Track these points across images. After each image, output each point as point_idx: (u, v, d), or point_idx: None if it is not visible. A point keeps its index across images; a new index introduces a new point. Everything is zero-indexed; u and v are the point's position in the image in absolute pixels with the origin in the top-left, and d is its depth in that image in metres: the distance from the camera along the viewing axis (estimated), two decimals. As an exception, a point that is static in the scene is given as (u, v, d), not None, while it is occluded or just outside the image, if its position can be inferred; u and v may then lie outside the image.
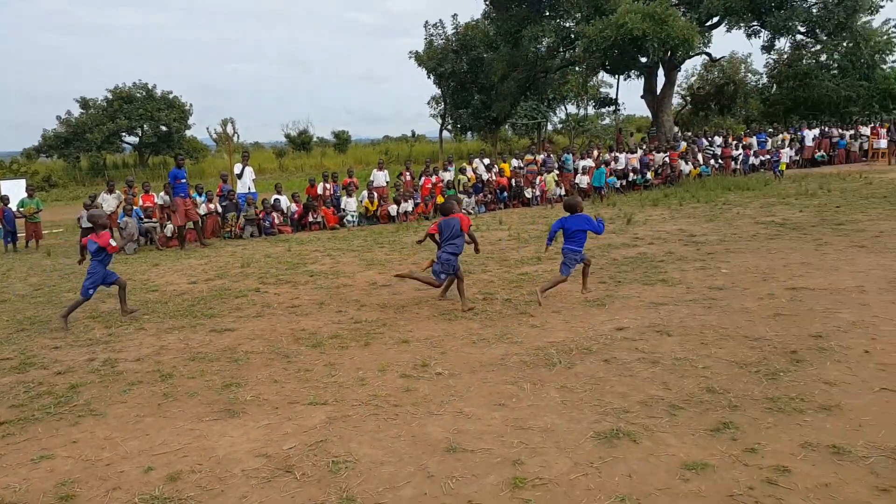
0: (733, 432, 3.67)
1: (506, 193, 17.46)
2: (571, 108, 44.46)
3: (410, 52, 31.94)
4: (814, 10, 23.36)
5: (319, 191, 15.88)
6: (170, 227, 13.74)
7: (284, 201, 15.39)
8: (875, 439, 3.50)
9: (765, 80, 33.26)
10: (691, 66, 34.35)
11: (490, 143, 39.27)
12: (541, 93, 36.34)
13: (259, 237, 14.41)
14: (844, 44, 26.98)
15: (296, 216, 15.27)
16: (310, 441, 3.91)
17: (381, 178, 16.69)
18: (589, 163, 18.58)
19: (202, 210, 14.29)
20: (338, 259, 10.90)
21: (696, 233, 11.15)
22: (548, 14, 25.71)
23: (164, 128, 38.66)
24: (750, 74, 36.73)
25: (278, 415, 4.36)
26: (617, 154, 19.68)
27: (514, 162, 18.26)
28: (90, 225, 8.38)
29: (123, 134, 39.10)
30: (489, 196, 17.17)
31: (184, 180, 13.30)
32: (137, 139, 39.62)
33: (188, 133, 42.67)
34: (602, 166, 17.70)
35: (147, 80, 65.27)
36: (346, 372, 5.15)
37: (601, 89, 42.39)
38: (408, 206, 15.75)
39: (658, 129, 28.81)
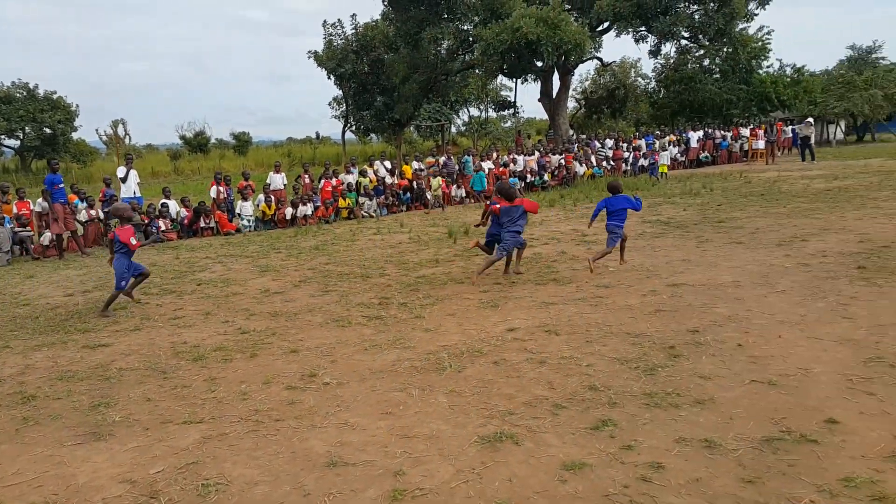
0: (612, 429, 3.74)
1: (408, 195, 17.40)
2: (474, 111, 45.18)
3: (309, 52, 31.33)
4: (696, 17, 24.77)
5: (213, 194, 15.24)
6: (47, 236, 12.77)
7: (173, 206, 14.65)
8: (744, 431, 3.65)
9: (653, 84, 34.93)
10: (585, 71, 35.68)
11: (394, 144, 39.22)
12: (443, 95, 36.61)
13: (146, 244, 13.61)
14: (725, 49, 28.75)
15: (185, 222, 14.56)
16: (180, 463, 3.67)
17: (278, 180, 16.21)
18: (489, 165, 18.84)
19: (82, 216, 13.37)
20: (229, 266, 10.47)
21: (588, 232, 11.48)
22: (446, 17, 25.90)
23: (48, 130, 36.11)
24: (640, 79, 38.59)
25: (148, 436, 4.07)
26: (515, 156, 20.06)
27: (415, 164, 18.25)
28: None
29: (2, 137, 36.23)
30: (391, 198, 17.05)
31: (61, 185, 12.43)
32: (18, 142, 36.80)
33: (75, 135, 40.21)
34: (482, 170, 17.90)
35: (28, 79, 60.85)
36: (227, 386, 4.89)
37: (502, 92, 43.31)
38: (307, 209, 15.38)
39: (555, 132, 29.69)
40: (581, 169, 21.12)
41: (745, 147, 26.99)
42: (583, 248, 9.91)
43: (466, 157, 19.21)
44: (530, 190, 19.85)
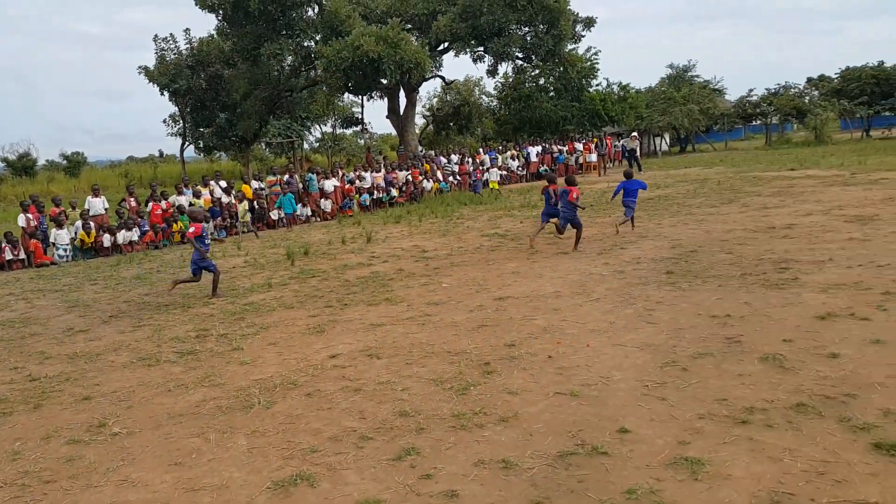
0: (414, 458, 3.63)
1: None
2: (327, 128, 44.62)
3: (140, 68, 29.38)
4: (528, 38, 26.04)
5: (21, 223, 13.68)
6: None
7: (-28, 238, 12.99)
8: (542, 448, 3.67)
9: (496, 101, 36.29)
10: (433, 88, 36.49)
11: (241, 162, 37.72)
12: (291, 112, 35.75)
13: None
14: (558, 69, 30.41)
15: (-10, 255, 12.95)
16: None
17: (97, 205, 14.89)
18: (334, 182, 18.53)
19: None
20: (34, 303, 9.39)
21: (429, 248, 11.53)
22: (285, 33, 25.34)
23: None
24: (484, 97, 39.97)
25: None
26: (363, 173, 19.90)
27: (255, 184, 17.53)
28: None
29: None
30: (229, 220, 16.23)
31: None
32: None
33: None
34: (290, 192, 17.53)
35: None
36: (-5, 447, 4.26)
37: (354, 109, 43.15)
38: (132, 234, 14.23)
39: (405, 148, 29.91)
40: (428, 184, 21.35)
41: (580, 160, 28.68)
42: (421, 265, 9.90)
43: (310, 174, 18.76)
44: (379, 206, 19.77)
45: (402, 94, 30.28)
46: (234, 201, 16.63)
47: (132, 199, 15.60)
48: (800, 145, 34.72)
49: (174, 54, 29.63)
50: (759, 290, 6.68)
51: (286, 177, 18.24)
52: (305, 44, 26.35)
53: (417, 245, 11.99)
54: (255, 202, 16.90)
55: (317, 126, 44.21)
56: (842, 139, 36.27)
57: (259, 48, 25.62)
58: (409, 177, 20.83)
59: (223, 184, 16.77)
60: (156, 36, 29.89)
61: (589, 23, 29.66)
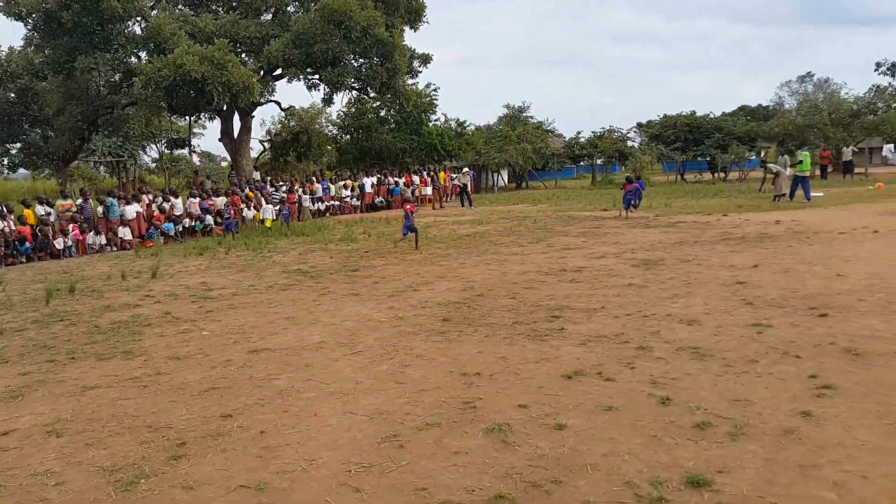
0: None
1: (28, 245, 14.59)
2: (164, 147, 41.55)
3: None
4: (363, 70, 25.76)
5: None
6: None
7: None
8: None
9: (337, 130, 35.72)
10: (278, 113, 35.10)
11: (59, 181, 34.03)
12: (116, 129, 32.84)
13: None
14: (398, 101, 30.43)
15: None
16: None
17: None
18: (136, 208, 16.86)
19: None
20: None
21: (217, 286, 10.53)
22: (103, 47, 23.14)
23: None
24: (331, 125, 39.22)
25: None
26: (170, 198, 18.34)
27: (41, 209, 15.48)
28: None
29: None
30: (3, 249, 14.12)
31: None
32: None
33: None
34: (83, 218, 15.94)
35: None
36: None
37: (198, 131, 40.58)
38: None
39: (238, 174, 28.37)
40: (250, 213, 20.16)
41: (416, 192, 28.70)
42: (195, 307, 8.89)
43: (111, 199, 16.95)
44: (191, 235, 18.27)
45: (236, 117, 28.85)
46: (13, 227, 14.54)
47: None
48: (621, 185, 37.22)
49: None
50: (523, 341, 6.45)
51: (80, 200, 16.32)
52: (129, 59, 24.25)
53: (206, 282, 10.93)
54: (37, 229, 14.89)
55: (153, 146, 41.18)
56: (659, 181, 39.34)
57: (73, 61, 23.19)
58: (229, 204, 19.54)
59: (3, 208, 14.63)
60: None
61: (425, 59, 30.00)
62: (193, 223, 18.35)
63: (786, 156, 24.00)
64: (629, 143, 41.85)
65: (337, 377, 5.62)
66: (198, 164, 54.58)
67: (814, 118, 35.78)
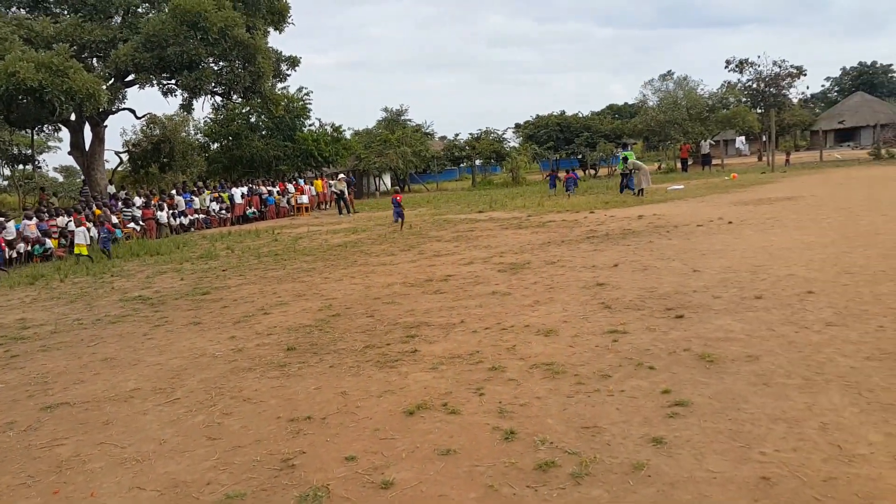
0: None
1: None
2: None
3: None
4: (223, 73, 24.27)
5: None
6: None
7: None
8: None
9: (204, 138, 33.71)
10: (139, 122, 32.50)
11: None
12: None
13: None
14: (268, 107, 29.01)
15: None
16: None
17: None
18: (-49, 235, 14.75)
19: None
20: None
21: (35, 322, 9.15)
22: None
23: None
24: (199, 133, 36.96)
25: None
26: (3, 221, 16.27)
27: None
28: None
29: None
30: None
31: None
32: None
33: None
34: None
35: None
36: None
37: (54, 143, 36.87)
38: None
39: (91, 187, 25.99)
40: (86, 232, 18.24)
41: (292, 201, 27.49)
42: (1, 350, 7.58)
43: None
44: (29, 260, 16.26)
45: (87, 127, 26.42)
46: None
47: None
48: (500, 186, 37.58)
49: None
50: (370, 370, 5.80)
51: None
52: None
53: (24, 318, 9.51)
54: None
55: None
56: (534, 180, 40.09)
57: None
58: (72, 223, 17.62)
59: None
60: None
61: (293, 62, 28.78)
62: (31, 248, 16.36)
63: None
64: (506, 144, 42.38)
65: (138, 436, 4.73)
66: (61, 179, 50.21)
67: (674, 114, 37.67)
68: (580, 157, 40.71)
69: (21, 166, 33.14)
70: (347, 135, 36.48)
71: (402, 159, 37.15)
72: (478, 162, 41.89)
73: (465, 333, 6.76)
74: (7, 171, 37.82)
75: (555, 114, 42.67)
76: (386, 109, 43.60)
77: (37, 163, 30.95)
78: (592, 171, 40.25)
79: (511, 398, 4.86)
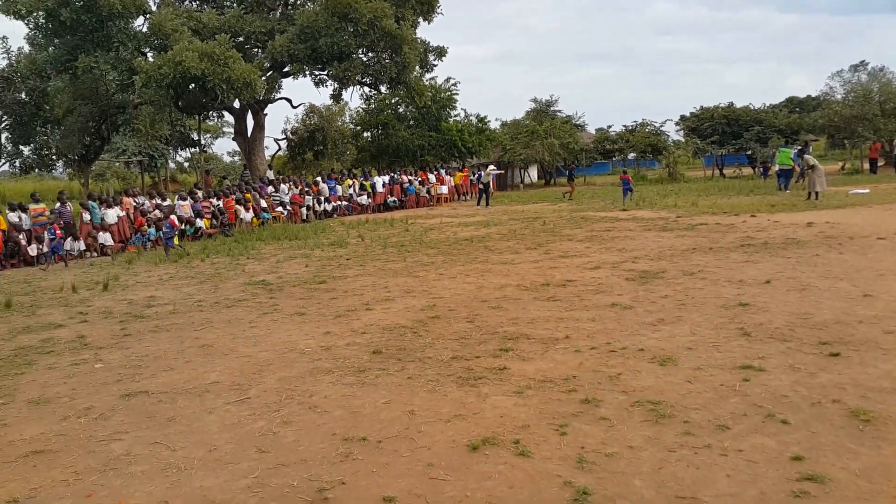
0: None
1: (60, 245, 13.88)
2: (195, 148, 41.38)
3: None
4: (371, 64, 24.67)
5: None
6: None
7: None
8: None
9: (357, 127, 34.78)
10: (301, 111, 34.34)
11: (81, 180, 34.02)
12: (133, 129, 32.63)
13: None
14: (415, 98, 29.27)
15: None
16: None
17: None
18: (117, 212, 16.11)
19: None
20: None
21: (161, 301, 9.54)
22: (104, 45, 22.63)
23: None
24: (352, 122, 38.29)
25: None
26: (158, 201, 17.58)
27: (13, 215, 14.80)
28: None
29: None
30: (-37, 257, 13.50)
31: None
32: None
33: None
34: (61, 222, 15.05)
35: None
36: None
37: (227, 129, 40.12)
38: None
39: (251, 172, 27.70)
40: (248, 215, 19.28)
41: (432, 191, 27.53)
42: (117, 329, 7.89)
43: (92, 203, 16.25)
44: (182, 237, 17.45)
45: (249, 115, 28.20)
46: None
47: None
48: (653, 182, 35.30)
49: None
50: (448, 387, 5.21)
51: (58, 205, 15.66)
52: (130, 58, 23.72)
53: (153, 296, 9.97)
54: (7, 234, 14.24)
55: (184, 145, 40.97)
56: (694, 177, 37.29)
57: (75, 60, 22.78)
58: (222, 206, 18.70)
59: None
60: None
61: (440, 52, 28.72)
62: (184, 227, 17.54)
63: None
64: (666, 137, 39.67)
65: (192, 439, 4.49)
66: (238, 162, 54.60)
67: (864, 108, 33.17)
68: (749, 152, 37.19)
69: (195, 150, 36.16)
70: (493, 126, 35.97)
71: (548, 151, 36.02)
72: (631, 156, 39.71)
73: (567, 352, 5.96)
74: (187, 154, 41.83)
75: (721, 106, 39.33)
76: (535, 100, 42.41)
77: (206, 146, 33.48)
78: (761, 170, 36.64)
79: (597, 443, 4.04)
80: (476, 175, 29.00)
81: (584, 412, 4.55)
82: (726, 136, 38.51)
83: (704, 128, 38.89)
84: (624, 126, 40.17)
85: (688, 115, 42.24)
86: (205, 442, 4.44)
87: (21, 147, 29.23)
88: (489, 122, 34.50)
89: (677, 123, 43.49)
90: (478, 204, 24.94)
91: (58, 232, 14.13)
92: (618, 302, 7.82)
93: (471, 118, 33.32)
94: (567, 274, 9.89)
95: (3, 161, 29.00)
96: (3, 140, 28.15)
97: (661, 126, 39.50)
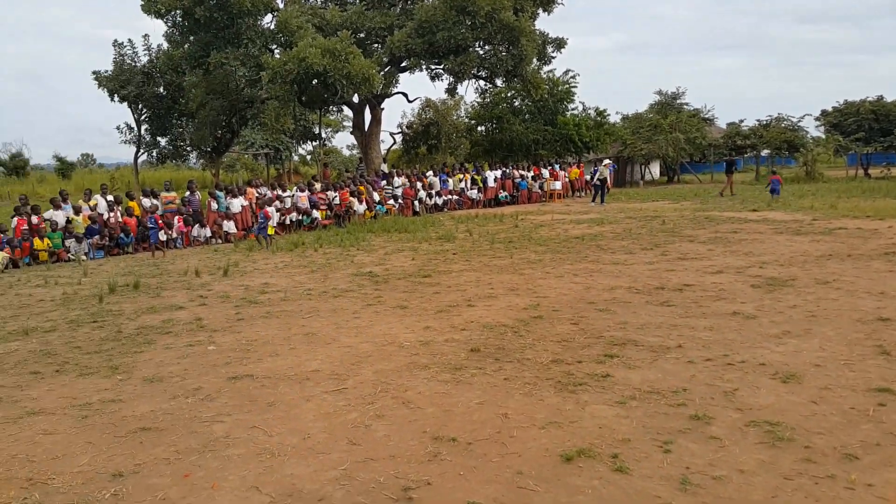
0: None
1: (131, 237, 15.10)
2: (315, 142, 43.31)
3: (94, 73, 28.14)
4: (486, 57, 24.53)
5: None
6: None
7: None
8: None
9: (471, 121, 34.80)
10: (417, 105, 34.95)
11: (211, 171, 36.49)
12: (261, 123, 34.51)
13: None
14: (531, 91, 28.88)
15: None
16: None
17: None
18: (241, 202, 17.00)
19: None
20: None
21: (274, 288, 9.91)
22: (234, 41, 24.00)
23: None
24: (467, 117, 38.41)
25: None
26: (279, 192, 18.37)
27: (147, 201, 15.99)
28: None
29: None
30: (107, 239, 14.69)
31: None
32: None
33: None
34: (189, 210, 15.90)
35: None
36: None
37: (346, 124, 41.70)
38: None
39: (367, 165, 28.45)
40: (360, 207, 19.77)
41: (545, 187, 27.04)
42: (232, 312, 8.26)
43: (218, 192, 17.25)
44: (299, 227, 18.19)
45: (367, 109, 28.94)
46: (120, 218, 15.11)
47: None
48: (789, 181, 32.81)
49: (130, 60, 28.46)
50: (546, 391, 4.99)
51: (187, 193, 16.74)
52: (258, 54, 25.04)
53: (268, 283, 10.38)
54: (141, 220, 15.38)
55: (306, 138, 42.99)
56: (835, 177, 34.32)
57: (207, 56, 24.32)
58: (338, 198, 19.28)
59: (110, 198, 15.28)
60: (115, 41, 28.78)
61: (559, 44, 28.07)
62: (301, 217, 18.24)
63: None
64: (804, 133, 36.73)
65: (288, 426, 4.56)
66: (347, 155, 56.66)
67: None
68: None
69: (316, 143, 37.68)
70: (613, 119, 34.79)
71: (672, 147, 34.36)
72: (764, 152, 37.15)
73: (678, 362, 5.55)
74: (309, 147, 43.81)
75: (869, 99, 35.95)
76: (660, 92, 40.58)
77: (326, 140, 34.75)
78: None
79: (704, 464, 3.69)
80: (592, 171, 28.19)
81: (693, 429, 4.19)
82: (873, 132, 35.21)
83: (848, 123, 35.75)
84: (757, 121, 37.61)
85: (830, 109, 39.03)
86: (300, 429, 4.49)
87: (158, 138, 31.58)
88: (608, 115, 33.41)
89: (817, 119, 40.19)
90: (592, 201, 24.23)
91: (159, 223, 14.90)
92: (740, 310, 7.25)
93: (589, 111, 32.43)
94: (684, 277, 9.32)
95: (142, 151, 31.46)
96: (142, 132, 30.55)
97: (799, 121, 36.64)
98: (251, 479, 3.81)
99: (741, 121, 39.25)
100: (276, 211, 16.44)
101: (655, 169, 40.73)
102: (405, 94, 28.95)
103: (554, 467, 3.78)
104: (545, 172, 27.14)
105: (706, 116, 40.09)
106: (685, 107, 39.97)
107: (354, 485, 3.69)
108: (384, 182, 22.00)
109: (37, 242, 13.61)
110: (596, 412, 4.55)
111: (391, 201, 21.39)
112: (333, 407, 4.90)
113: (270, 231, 14.91)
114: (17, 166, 45.84)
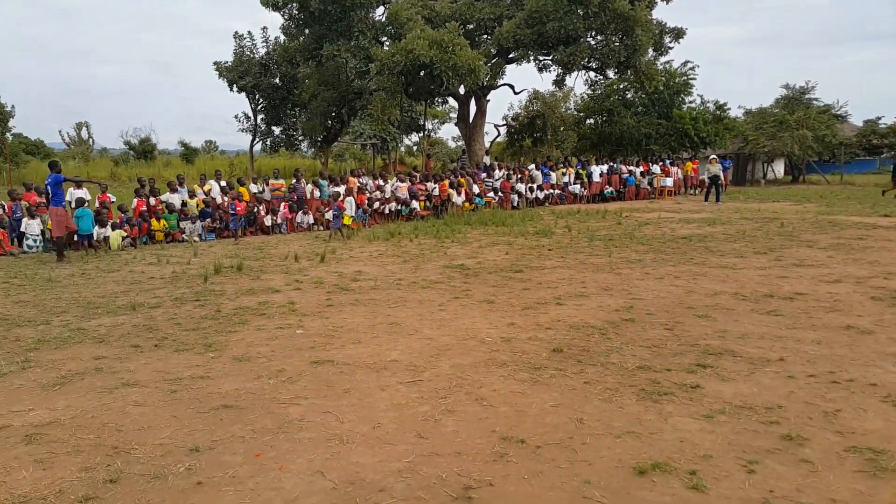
0: None
1: (243, 220, 15.89)
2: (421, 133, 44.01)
3: (216, 63, 29.89)
4: (598, 48, 23.81)
5: (-2, 210, 13.62)
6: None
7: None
8: None
9: (580, 114, 34.00)
10: (524, 97, 34.62)
11: (321, 160, 37.89)
12: (370, 114, 35.40)
13: None
14: (641, 81, 27.82)
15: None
16: None
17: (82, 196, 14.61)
18: (341, 190, 17.45)
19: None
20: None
21: (366, 276, 10.10)
22: (346, 34, 24.69)
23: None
24: (575, 109, 37.59)
25: None
26: (381, 182, 18.72)
27: (255, 187, 16.74)
28: None
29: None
30: (219, 222, 15.54)
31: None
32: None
33: (9, 135, 38.96)
34: (295, 197, 16.34)
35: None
36: None
37: (452, 115, 42.03)
38: (105, 231, 13.84)
39: (470, 157, 28.52)
40: (459, 199, 19.82)
41: (654, 183, 26.01)
42: (323, 299, 8.49)
43: (322, 181, 17.81)
44: (398, 217, 18.50)
45: (472, 100, 28.97)
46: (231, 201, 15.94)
47: (108, 195, 15.26)
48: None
49: (249, 52, 30.00)
50: (626, 398, 4.74)
51: (294, 181, 17.39)
52: (368, 46, 25.65)
53: (361, 271, 10.59)
54: (251, 205, 16.14)
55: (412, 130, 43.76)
56: None
57: (320, 49, 25.16)
58: (437, 189, 19.42)
59: (223, 183, 16.14)
60: (236, 33, 30.40)
61: (678, 34, 26.77)
62: (400, 207, 18.51)
63: None
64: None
65: (361, 413, 4.59)
66: (452, 146, 57.12)
67: None
68: None
69: (422, 134, 38.17)
70: (734, 114, 32.86)
71: (798, 144, 32.06)
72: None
73: (777, 377, 5.13)
74: (415, 138, 44.50)
75: None
76: (787, 86, 37.89)
77: (432, 131, 35.09)
78: None
79: (791, 489, 3.37)
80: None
81: (783, 450, 3.84)
82: None
83: None
84: (896, 118, 34.43)
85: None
86: (371, 418, 4.51)
87: (273, 127, 33.11)
88: (728, 109, 31.61)
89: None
90: (706, 199, 23.06)
91: (238, 209, 15.42)
92: (855, 324, 6.61)
93: (708, 105, 30.81)
94: (797, 285, 8.64)
95: (258, 139, 33.10)
96: (258, 121, 32.12)
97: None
98: (318, 464, 3.85)
99: (878, 118, 36.07)
100: (366, 202, 16.76)
101: (779, 168, 38.23)
102: (511, 86, 28.71)
103: (625, 479, 3.57)
104: (655, 168, 26.09)
105: (838, 113, 37.11)
106: (814, 102, 37.15)
107: (416, 479, 3.65)
108: (485, 174, 21.92)
109: (154, 223, 14.60)
110: (679, 424, 4.27)
111: (490, 194, 21.29)
112: (406, 398, 4.89)
113: (347, 221, 15.20)
114: (146, 150, 49.46)
